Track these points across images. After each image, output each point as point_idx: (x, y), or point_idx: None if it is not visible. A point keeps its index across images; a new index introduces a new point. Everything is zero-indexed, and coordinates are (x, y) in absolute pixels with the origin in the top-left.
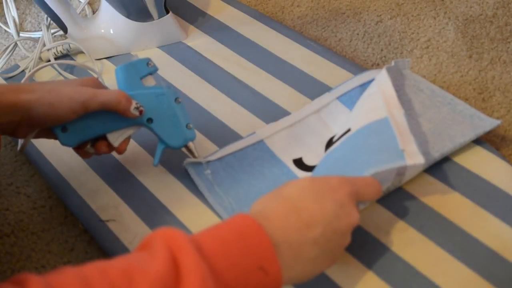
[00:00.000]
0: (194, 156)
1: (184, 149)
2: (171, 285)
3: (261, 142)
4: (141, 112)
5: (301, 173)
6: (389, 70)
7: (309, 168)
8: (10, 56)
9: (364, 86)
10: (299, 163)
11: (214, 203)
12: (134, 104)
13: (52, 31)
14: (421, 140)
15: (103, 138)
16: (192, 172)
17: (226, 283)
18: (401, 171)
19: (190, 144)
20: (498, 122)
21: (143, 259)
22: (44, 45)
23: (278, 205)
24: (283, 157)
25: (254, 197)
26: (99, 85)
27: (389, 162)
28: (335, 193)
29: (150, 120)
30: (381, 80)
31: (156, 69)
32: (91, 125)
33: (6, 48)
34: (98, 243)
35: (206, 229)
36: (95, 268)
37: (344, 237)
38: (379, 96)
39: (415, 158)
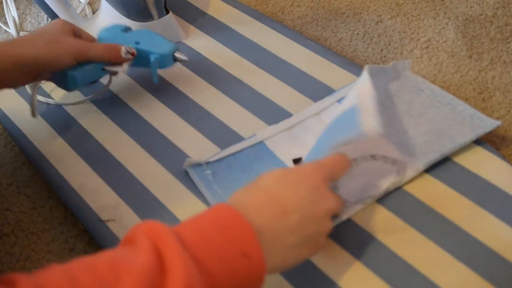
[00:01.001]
0: (185, 59)
1: (176, 65)
2: (156, 277)
3: (261, 143)
4: (133, 54)
5: None
6: (370, 71)
7: None
8: None
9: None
10: (299, 163)
11: (214, 203)
12: (123, 49)
13: None
14: (421, 140)
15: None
16: (191, 172)
17: (210, 272)
18: (401, 170)
19: (178, 54)
20: (498, 123)
21: (128, 253)
22: None
23: (255, 195)
24: (283, 157)
25: None
26: (69, 26)
27: (348, 136)
28: (309, 179)
29: (137, 42)
30: (361, 80)
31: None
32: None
33: None
34: (98, 243)
35: (186, 221)
36: (81, 265)
37: (323, 223)
38: (355, 91)
39: (371, 127)
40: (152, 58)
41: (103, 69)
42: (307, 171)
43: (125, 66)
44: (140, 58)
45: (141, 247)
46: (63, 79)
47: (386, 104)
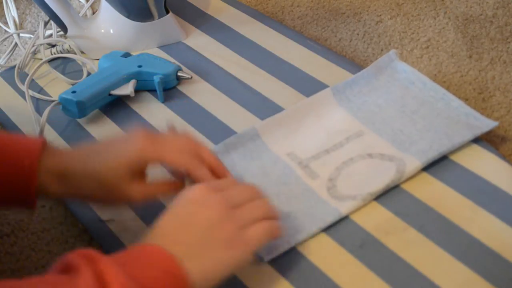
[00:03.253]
0: (188, 77)
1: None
2: None
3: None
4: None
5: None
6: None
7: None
8: (10, 56)
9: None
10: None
11: None
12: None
13: (52, 31)
14: (417, 137)
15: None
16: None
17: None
18: (400, 168)
19: (181, 73)
20: (495, 123)
21: (68, 278)
22: (38, 45)
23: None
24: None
25: None
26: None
27: None
28: (187, 195)
29: (140, 66)
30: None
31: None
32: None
33: (4, 40)
34: (98, 243)
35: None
36: (28, 283)
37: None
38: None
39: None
40: (157, 78)
41: (109, 94)
42: (189, 191)
43: (131, 89)
44: (144, 80)
45: (81, 270)
46: (72, 107)
47: (379, 103)
